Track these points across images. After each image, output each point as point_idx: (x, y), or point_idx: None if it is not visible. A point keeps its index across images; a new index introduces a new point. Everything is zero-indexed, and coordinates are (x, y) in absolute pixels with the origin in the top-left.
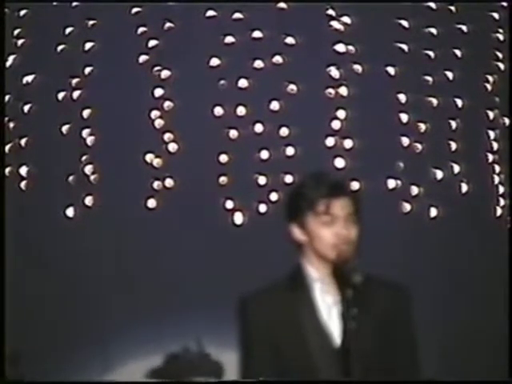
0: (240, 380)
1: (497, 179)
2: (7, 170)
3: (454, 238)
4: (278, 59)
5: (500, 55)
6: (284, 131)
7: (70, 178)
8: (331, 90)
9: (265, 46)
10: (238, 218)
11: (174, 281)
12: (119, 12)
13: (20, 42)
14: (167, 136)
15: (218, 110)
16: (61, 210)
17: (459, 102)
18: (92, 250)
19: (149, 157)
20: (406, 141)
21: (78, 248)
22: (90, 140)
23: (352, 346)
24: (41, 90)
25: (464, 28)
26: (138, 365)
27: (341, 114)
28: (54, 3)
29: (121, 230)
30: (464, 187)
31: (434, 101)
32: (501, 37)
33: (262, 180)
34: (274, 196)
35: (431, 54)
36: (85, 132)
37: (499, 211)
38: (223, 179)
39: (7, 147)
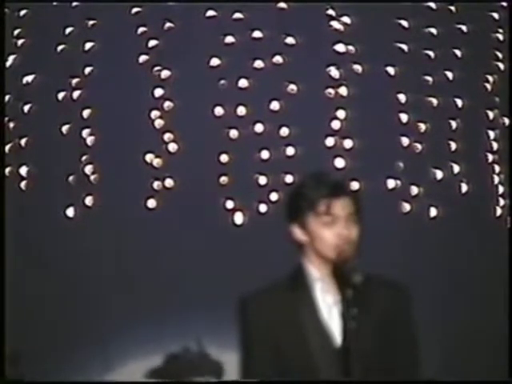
0: (240, 380)
1: (497, 179)
2: (7, 170)
3: (454, 238)
4: (278, 59)
5: (500, 55)
6: (284, 131)
7: (70, 178)
8: (331, 90)
9: (265, 45)
10: (239, 217)
11: (174, 281)
12: (119, 12)
13: (20, 42)
14: (167, 136)
15: (219, 110)
16: (61, 210)
17: (459, 102)
18: (92, 249)
19: (149, 157)
20: (405, 141)
21: (78, 248)
22: (90, 140)
23: (352, 346)
24: (41, 90)
25: (464, 28)
26: (137, 365)
27: (341, 114)
28: (54, 3)
29: (121, 230)
30: (464, 187)
31: (434, 101)
32: (501, 37)
33: (262, 180)
34: (274, 196)
35: (431, 53)
36: (85, 132)
37: (499, 211)
38: (223, 179)
39: (7, 147)
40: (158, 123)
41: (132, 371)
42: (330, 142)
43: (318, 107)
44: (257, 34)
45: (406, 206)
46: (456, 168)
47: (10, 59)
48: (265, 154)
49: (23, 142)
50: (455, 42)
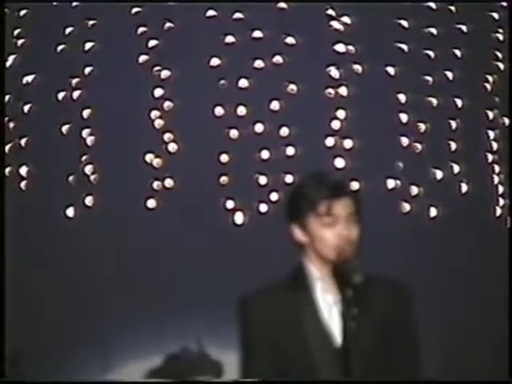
0: (240, 380)
1: (496, 179)
2: (7, 170)
3: (454, 237)
4: (278, 59)
5: (500, 55)
6: (284, 131)
7: (70, 178)
8: (331, 90)
9: (265, 45)
10: (239, 217)
11: (174, 281)
12: (119, 12)
13: (20, 42)
14: (167, 136)
15: (219, 110)
16: (61, 210)
17: (459, 102)
18: (92, 249)
19: (149, 157)
20: (405, 141)
21: (78, 248)
22: (90, 140)
23: (352, 346)
24: (41, 90)
25: (464, 28)
26: (137, 365)
27: (341, 114)
28: (54, 3)
29: (121, 229)
30: (464, 187)
31: (434, 101)
32: (501, 37)
33: (262, 180)
34: (274, 196)
35: (431, 53)
36: (85, 132)
37: (499, 211)
38: (224, 179)
39: (7, 147)
40: (158, 123)
41: (132, 371)
42: (329, 141)
43: (317, 107)
44: (257, 33)
45: (406, 206)
46: (456, 168)
47: (10, 59)
48: (265, 154)
49: (23, 142)
50: (455, 41)
